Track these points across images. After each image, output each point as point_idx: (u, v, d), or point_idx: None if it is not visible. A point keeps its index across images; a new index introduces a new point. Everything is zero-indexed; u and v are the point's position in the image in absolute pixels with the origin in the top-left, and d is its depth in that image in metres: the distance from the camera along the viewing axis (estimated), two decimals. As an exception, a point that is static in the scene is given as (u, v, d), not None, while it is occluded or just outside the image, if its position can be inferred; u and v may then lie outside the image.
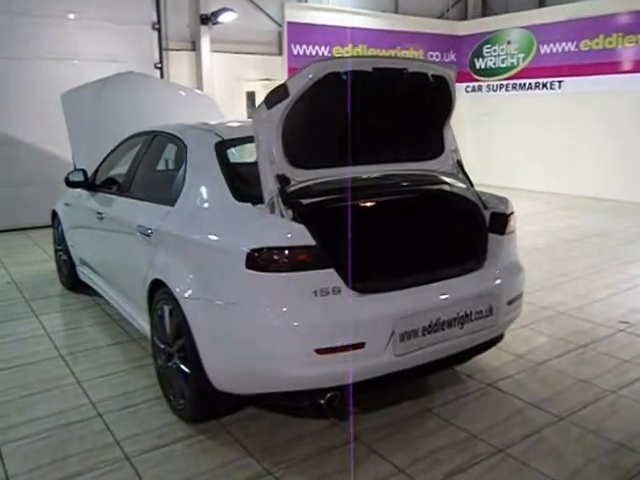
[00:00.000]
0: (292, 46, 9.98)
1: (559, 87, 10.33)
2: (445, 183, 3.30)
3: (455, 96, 3.03)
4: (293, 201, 2.55)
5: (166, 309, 2.96)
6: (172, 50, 9.04)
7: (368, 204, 2.96)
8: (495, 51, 11.28)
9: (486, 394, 3.27)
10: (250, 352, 2.47)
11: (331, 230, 2.47)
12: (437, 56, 11.73)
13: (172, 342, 2.94)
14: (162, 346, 3.05)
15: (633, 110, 9.32)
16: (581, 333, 4.10)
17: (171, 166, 3.78)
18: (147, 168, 3.86)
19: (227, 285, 2.53)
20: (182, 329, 2.77)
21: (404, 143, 3.00)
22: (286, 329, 2.38)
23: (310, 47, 10.17)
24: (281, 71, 9.98)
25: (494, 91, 11.45)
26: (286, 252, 2.38)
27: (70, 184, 4.38)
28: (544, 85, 10.54)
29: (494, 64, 11.40)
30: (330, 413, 2.70)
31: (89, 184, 4.39)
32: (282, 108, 2.53)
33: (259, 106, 2.59)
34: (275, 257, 2.38)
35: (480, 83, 11.72)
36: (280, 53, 10.04)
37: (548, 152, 10.48)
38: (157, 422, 2.98)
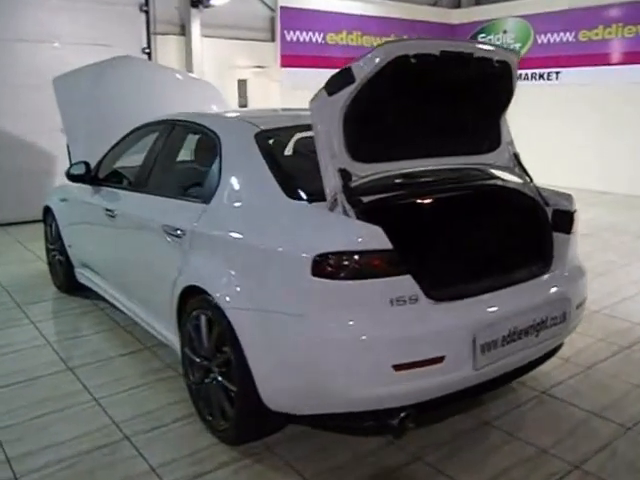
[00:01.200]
0: (285, 32, 9.62)
1: (556, 78, 10.19)
2: (497, 178, 3.06)
3: (516, 84, 2.77)
4: (355, 199, 2.26)
5: (203, 319, 2.64)
6: (160, 34, 8.58)
7: (432, 201, 2.68)
8: (490, 40, 11.07)
9: (542, 403, 3.05)
10: (316, 369, 2.17)
11: (399, 231, 2.18)
12: (430, 45, 11.46)
13: (211, 356, 2.62)
14: (197, 360, 2.73)
15: (631, 102, 9.22)
16: (621, 333, 3.93)
17: (199, 159, 3.41)
18: (168, 161, 3.51)
19: (287, 294, 2.22)
20: (227, 342, 2.46)
21: (462, 135, 2.73)
22: (361, 343, 2.09)
23: (304, 33, 9.82)
24: (273, 58, 9.62)
25: (488, 81, 11.23)
26: (359, 257, 2.08)
27: (73, 178, 3.99)
28: (541, 76, 10.39)
29: (488, 54, 11.18)
30: (400, 433, 2.43)
31: (92, 178, 4.01)
32: (345, 95, 2.24)
33: (318, 93, 2.31)
34: (346, 263, 2.08)
35: (473, 73, 11.49)
36: (273, 39, 9.67)
37: (544, 143, 10.33)
38: (194, 445, 2.67)
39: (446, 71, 2.43)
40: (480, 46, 2.59)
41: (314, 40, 9.92)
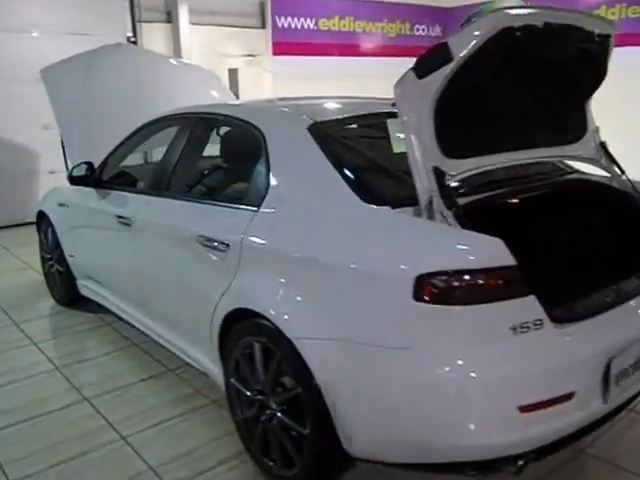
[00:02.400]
0: (277, 18, 9.15)
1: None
2: (578, 171, 2.71)
3: (609, 62, 2.41)
4: (450, 202, 1.89)
5: (257, 347, 2.24)
6: (145, 22, 8.04)
7: (532, 202, 2.31)
8: (484, 24, 10.75)
9: (636, 422, 2.72)
10: (419, 412, 1.79)
11: (507, 239, 1.81)
12: (423, 29, 11.13)
13: (269, 390, 2.23)
14: (248, 393, 2.34)
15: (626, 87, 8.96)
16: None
17: (234, 157, 2.98)
18: (195, 160, 3.07)
19: (380, 322, 1.83)
20: (293, 375, 2.07)
21: (547, 123, 2.37)
22: (479, 382, 1.71)
23: (295, 19, 9.36)
24: (265, 46, 9.16)
25: (483, 67, 10.92)
26: (474, 276, 1.71)
27: (76, 181, 3.53)
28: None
29: (483, 38, 10.87)
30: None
31: (97, 180, 3.56)
32: (440, 77, 1.86)
33: (405, 76, 1.93)
34: (458, 284, 1.71)
35: (466, 58, 11.17)
36: (263, 26, 9.19)
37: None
38: (251, 494, 2.29)
39: (545, 47, 2.07)
40: (583, 17, 2.21)
41: (306, 26, 9.47)
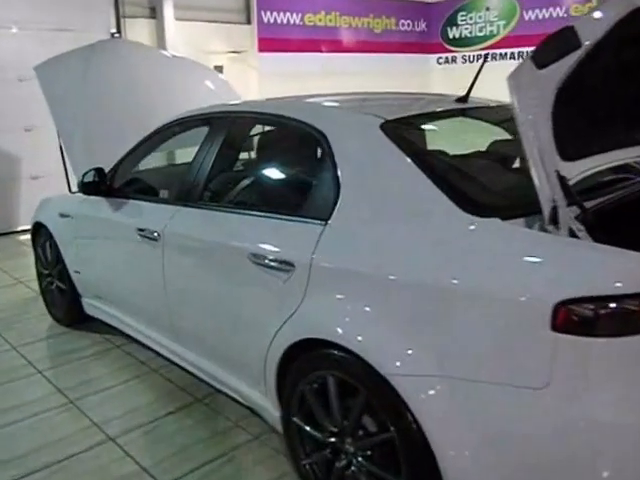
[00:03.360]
0: (262, 13, 8.81)
1: (544, 56, 9.80)
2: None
3: None
4: (579, 211, 1.63)
5: (332, 382, 1.94)
6: (129, 17, 7.61)
7: None
8: (472, 19, 10.62)
9: None
10: (565, 466, 1.51)
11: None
12: (408, 24, 10.92)
13: (349, 432, 1.93)
14: (317, 435, 2.04)
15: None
16: None
17: (289, 163, 2.62)
18: (237, 166, 2.74)
19: (501, 356, 1.56)
20: (389, 419, 1.78)
21: None
22: (635, 429, 1.45)
23: (281, 14, 9.04)
24: (250, 42, 8.80)
25: (470, 62, 10.80)
26: (624, 302, 1.44)
27: (89, 189, 3.17)
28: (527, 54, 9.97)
29: (470, 33, 10.74)
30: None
31: (108, 188, 3.21)
32: (565, 66, 1.60)
33: (522, 66, 1.66)
34: (605, 311, 1.44)
35: (454, 54, 11.03)
36: (249, 22, 8.83)
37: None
38: None
39: None
40: None
41: (292, 22, 9.16)
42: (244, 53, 8.73)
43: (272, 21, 8.99)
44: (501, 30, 10.31)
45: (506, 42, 10.28)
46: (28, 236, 4.41)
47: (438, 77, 11.14)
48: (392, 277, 1.78)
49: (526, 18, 9.92)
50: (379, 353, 1.77)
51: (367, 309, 1.83)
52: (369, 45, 10.32)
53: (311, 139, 2.20)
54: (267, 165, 2.87)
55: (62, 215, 3.67)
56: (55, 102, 3.96)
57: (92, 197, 3.33)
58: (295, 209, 2.19)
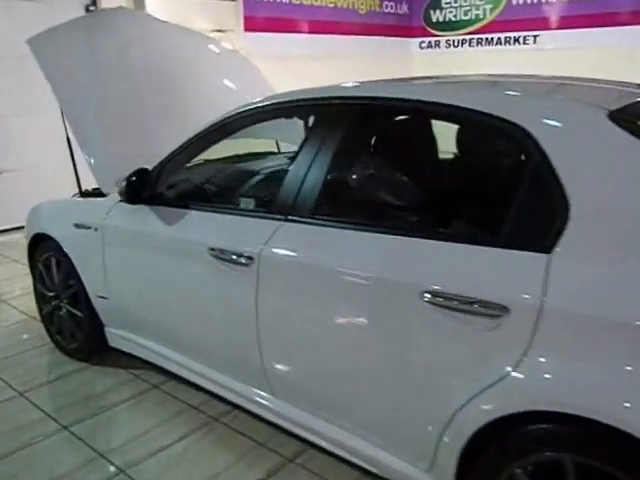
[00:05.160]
0: (247, -13, 8.06)
1: (534, 41, 9.50)
2: None
3: None
4: None
5: (570, 465, 1.41)
6: (102, -11, 6.71)
7: None
8: (457, 1, 10.17)
9: None
10: None
11: None
12: (391, 7, 10.39)
13: None
14: None
15: (614, 68, 8.73)
16: None
17: (467, 169, 1.99)
18: (376, 170, 2.09)
19: None
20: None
21: None
22: None
23: (268, -9, 8.31)
24: (235, 20, 8.04)
25: (455, 47, 10.38)
26: None
27: (136, 197, 2.49)
28: (516, 40, 9.66)
29: (455, 16, 10.29)
30: None
31: (153, 195, 2.54)
32: None
33: None
34: None
35: (438, 38, 10.57)
36: (233, -3, 8.07)
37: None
38: None
39: None
40: None
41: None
42: (229, 32, 7.96)
43: (257, -2, 8.25)
44: (487, 14, 9.92)
45: (492, 27, 9.91)
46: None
47: (420, 62, 10.69)
48: None
49: (514, 2, 9.54)
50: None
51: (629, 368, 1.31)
52: (353, 27, 9.75)
53: (505, 138, 1.64)
54: (436, 172, 2.23)
55: (79, 226, 2.94)
56: (58, 80, 3.21)
57: (125, 204, 2.66)
58: (488, 233, 1.62)
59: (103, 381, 3.03)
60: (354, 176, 2.05)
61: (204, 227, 2.33)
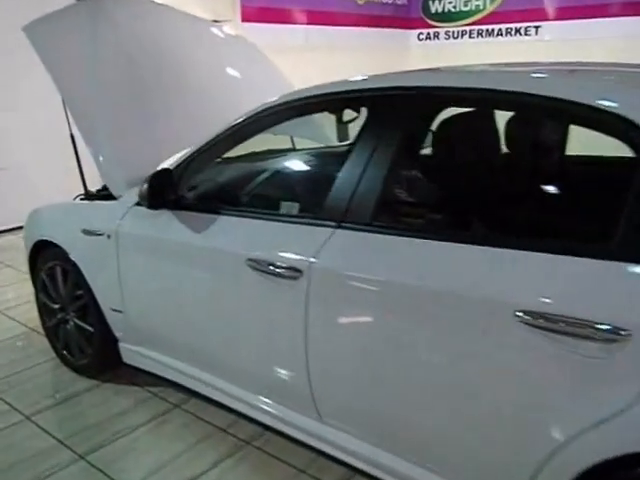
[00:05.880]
0: (245, -23, 7.77)
1: (535, 33, 9.32)
2: None
3: None
4: None
5: None
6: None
7: None
8: (453, -4, 9.97)
9: None
10: None
11: None
12: (390, -3, 10.15)
13: None
14: None
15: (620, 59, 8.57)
16: None
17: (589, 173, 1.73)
18: (446, 173, 1.84)
19: None
20: None
21: None
22: None
23: (267, -21, 8.03)
24: (232, 10, 7.77)
25: (454, 39, 10.17)
26: None
27: (156, 201, 2.23)
28: (517, 31, 9.47)
29: (454, 7, 10.08)
30: None
31: (177, 198, 2.28)
32: None
33: None
34: None
35: (437, 30, 10.35)
36: (230, -13, 7.78)
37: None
38: None
39: None
40: None
41: (278, -11, 8.17)
42: (226, 23, 7.68)
43: (255, -13, 7.96)
44: (487, 5, 9.71)
45: (493, 18, 9.70)
46: None
47: (419, 54, 10.47)
48: None
49: (516, -8, 9.37)
50: None
51: None
52: (352, 18, 9.50)
53: (620, 137, 1.40)
54: (529, 172, 1.94)
55: (89, 232, 2.67)
56: (59, 70, 2.94)
57: (141, 208, 2.41)
58: (596, 243, 1.39)
59: (118, 401, 2.77)
60: (423, 176, 1.81)
61: (240, 235, 2.07)
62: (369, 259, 1.72)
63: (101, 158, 2.75)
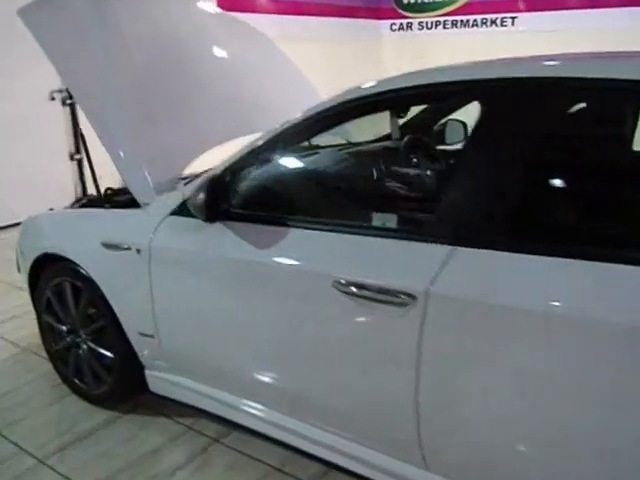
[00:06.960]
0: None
1: (512, 23, 9.25)
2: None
3: None
4: None
5: None
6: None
7: None
8: (424, -15, 9.79)
9: None
10: None
11: None
12: (362, -14, 9.89)
13: None
14: None
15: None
16: None
17: None
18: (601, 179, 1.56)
19: None
20: None
21: None
22: None
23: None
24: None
25: (428, 29, 10.00)
26: None
27: (213, 213, 1.89)
28: (493, 22, 9.38)
29: (428, -3, 9.91)
30: None
31: (231, 208, 1.96)
32: None
33: None
34: None
35: (410, 20, 10.15)
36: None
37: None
38: None
39: None
40: None
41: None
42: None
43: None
44: (463, -5, 9.59)
45: (468, 8, 9.58)
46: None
47: (392, 45, 10.27)
48: None
49: (492, -18, 9.27)
50: None
51: None
52: (323, 8, 9.21)
53: None
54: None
55: (111, 246, 2.30)
56: (62, 59, 2.55)
57: (179, 218, 2.08)
58: None
59: (146, 437, 2.42)
60: (572, 181, 1.53)
61: (322, 252, 1.76)
62: (509, 283, 1.44)
63: (122, 159, 2.38)
